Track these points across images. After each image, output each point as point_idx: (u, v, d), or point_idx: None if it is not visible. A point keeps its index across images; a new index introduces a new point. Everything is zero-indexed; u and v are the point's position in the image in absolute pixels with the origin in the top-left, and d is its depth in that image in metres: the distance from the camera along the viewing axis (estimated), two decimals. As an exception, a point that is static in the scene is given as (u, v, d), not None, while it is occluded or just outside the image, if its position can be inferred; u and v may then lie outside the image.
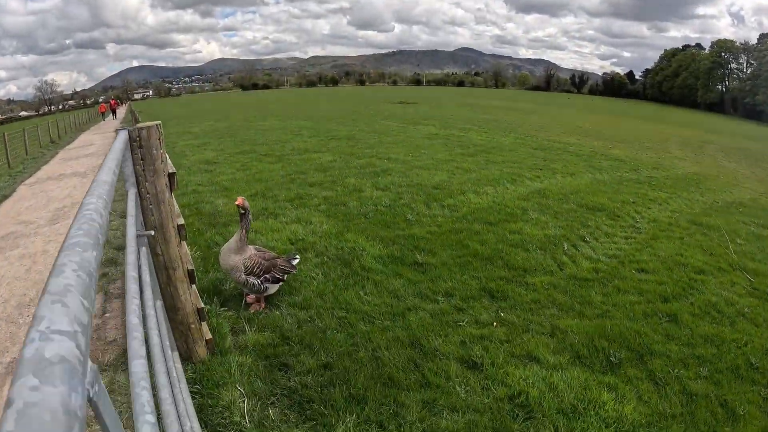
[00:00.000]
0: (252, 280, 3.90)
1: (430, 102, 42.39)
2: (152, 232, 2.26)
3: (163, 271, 2.66)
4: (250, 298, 4.21)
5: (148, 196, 2.47)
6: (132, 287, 1.34)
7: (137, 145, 2.40)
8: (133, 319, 1.19)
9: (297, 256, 4.61)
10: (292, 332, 3.72)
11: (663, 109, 76.56)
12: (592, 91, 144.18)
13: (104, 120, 33.63)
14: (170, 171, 2.62)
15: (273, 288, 4.16)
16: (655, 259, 5.83)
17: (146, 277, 2.07)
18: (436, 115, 25.66)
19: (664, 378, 3.51)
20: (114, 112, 35.60)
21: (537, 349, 3.69)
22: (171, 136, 16.44)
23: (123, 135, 2.17)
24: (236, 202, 3.80)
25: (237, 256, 3.87)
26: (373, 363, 3.49)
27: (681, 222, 7.76)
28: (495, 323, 4.02)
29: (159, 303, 2.67)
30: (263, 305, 4.13)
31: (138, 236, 2.23)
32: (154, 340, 1.51)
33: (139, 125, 2.44)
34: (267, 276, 4.02)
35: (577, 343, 3.83)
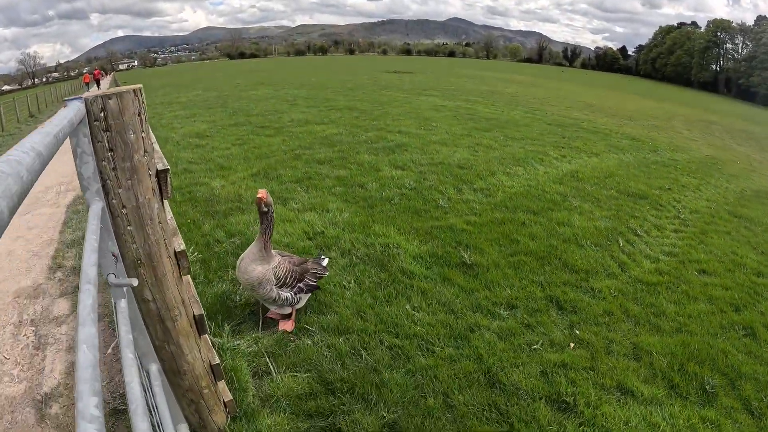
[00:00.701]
0: (285, 293, 3.03)
1: (425, 72, 40.76)
2: (134, 282, 1.26)
3: (157, 323, 1.68)
4: (274, 314, 3.26)
5: (124, 212, 1.47)
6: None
7: (101, 127, 1.37)
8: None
9: (324, 257, 3.67)
10: (335, 373, 2.77)
11: (657, 85, 75.42)
12: (585, 65, 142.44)
13: (88, 90, 32.92)
14: (160, 167, 1.61)
15: (304, 299, 3.30)
16: (713, 258, 5.36)
17: (126, 341, 1.15)
18: (436, 86, 24.37)
19: (759, 407, 3.09)
20: (98, 83, 35.26)
21: (627, 377, 3.11)
22: (157, 107, 15.04)
23: (73, 109, 1.15)
24: (258, 196, 2.80)
25: (262, 265, 2.94)
26: (448, 414, 2.63)
27: (721, 213, 7.25)
28: (572, 344, 3.39)
29: (155, 367, 1.70)
30: (293, 323, 3.19)
31: (112, 287, 1.25)
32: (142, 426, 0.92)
33: (106, 91, 1.41)
34: (300, 285, 3.15)
35: (665, 367, 3.29)
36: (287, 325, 3.17)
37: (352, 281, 3.87)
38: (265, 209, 2.85)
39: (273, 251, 3.06)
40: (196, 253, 4.09)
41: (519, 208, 5.98)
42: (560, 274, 4.43)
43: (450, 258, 4.48)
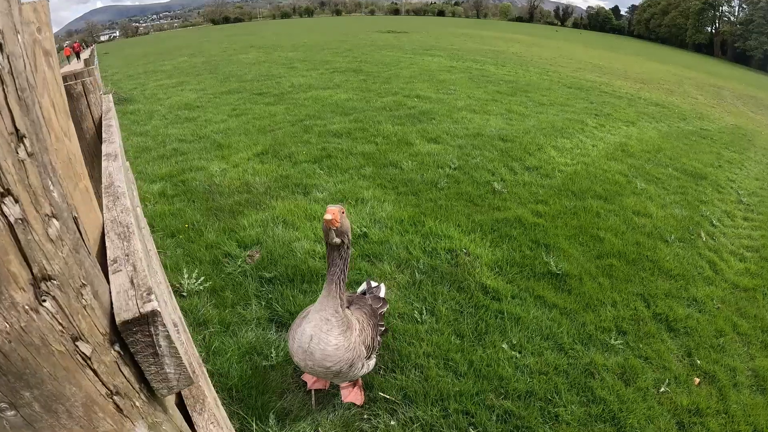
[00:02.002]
0: (373, 360, 2.06)
1: (419, 32, 38.62)
2: None
3: None
4: (314, 382, 2.22)
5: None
6: None
7: None
8: None
9: (376, 282, 2.62)
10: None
11: (653, 46, 73.56)
12: (576, 25, 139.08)
13: (69, 63, 34.30)
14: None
15: None
16: (790, 252, 4.83)
17: None
18: (436, 45, 22.80)
19: None
20: (78, 55, 35.57)
21: (758, 419, 2.69)
22: (140, 76, 13.57)
23: None
24: (326, 216, 1.61)
25: (346, 337, 1.83)
26: None
27: (776, 196, 6.78)
28: (697, 379, 2.88)
29: None
30: (361, 392, 2.17)
31: None
32: None
33: None
34: (379, 338, 2.14)
35: (790, 400, 2.82)
36: (355, 396, 2.14)
37: (424, 310, 2.84)
38: (337, 240, 1.72)
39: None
40: (201, 279, 2.98)
41: (586, 193, 5.05)
42: (658, 281, 3.79)
43: (533, 266, 3.50)
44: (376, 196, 4.37)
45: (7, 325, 0.46)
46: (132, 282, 0.61)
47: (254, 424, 1.93)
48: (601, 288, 3.46)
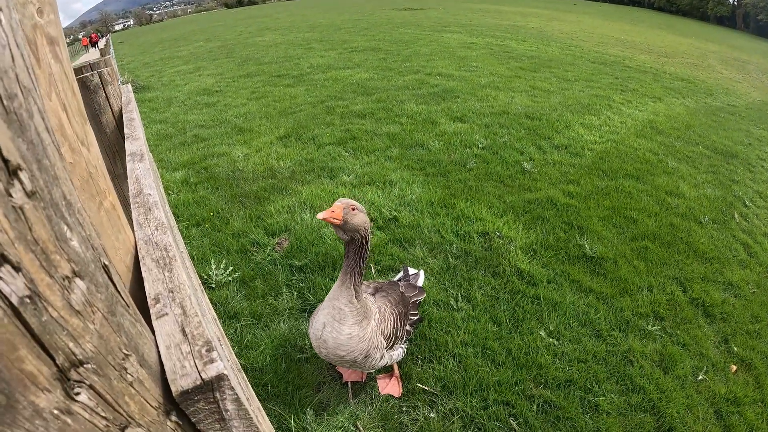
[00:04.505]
0: (397, 350, 1.98)
1: (436, 8, 37.54)
2: None
3: None
4: (350, 374, 2.17)
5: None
6: None
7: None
8: None
9: (414, 270, 2.54)
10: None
11: (674, 19, 71.05)
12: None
13: (88, 51, 37.73)
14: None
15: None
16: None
17: None
18: (454, 21, 22.26)
19: None
20: (95, 45, 38.69)
21: None
22: (156, 64, 13.52)
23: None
24: (322, 217, 1.53)
25: (362, 327, 1.77)
26: None
27: (809, 178, 6.59)
28: (734, 367, 2.84)
29: None
30: (399, 383, 2.11)
31: None
32: None
33: None
34: (408, 328, 2.06)
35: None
36: (392, 388, 2.09)
37: (459, 296, 2.76)
38: (345, 237, 1.63)
39: (363, 289, 1.89)
40: (230, 269, 2.94)
41: (617, 172, 4.90)
42: (693, 264, 3.69)
43: (567, 249, 3.40)
44: (404, 178, 4.27)
45: (33, 443, 0.34)
46: (183, 331, 0.51)
47: (292, 422, 1.89)
48: (637, 272, 3.36)
